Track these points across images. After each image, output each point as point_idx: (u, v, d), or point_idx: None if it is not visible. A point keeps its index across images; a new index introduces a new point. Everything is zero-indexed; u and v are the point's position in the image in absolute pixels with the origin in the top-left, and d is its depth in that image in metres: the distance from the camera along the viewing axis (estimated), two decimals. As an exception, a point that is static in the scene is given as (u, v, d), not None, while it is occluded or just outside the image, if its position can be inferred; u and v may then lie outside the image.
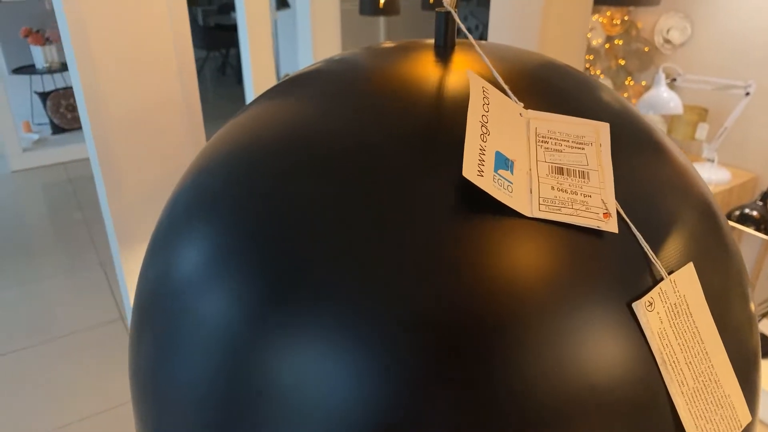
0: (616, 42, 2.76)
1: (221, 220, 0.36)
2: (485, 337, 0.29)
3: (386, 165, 0.34)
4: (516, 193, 0.31)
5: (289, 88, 0.45)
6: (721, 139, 2.29)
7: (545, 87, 0.40)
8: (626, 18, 2.74)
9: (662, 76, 2.30)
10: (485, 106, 0.33)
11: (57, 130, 4.14)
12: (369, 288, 0.30)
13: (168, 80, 0.65)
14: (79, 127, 4.23)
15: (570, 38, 1.05)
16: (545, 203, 0.32)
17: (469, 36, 0.41)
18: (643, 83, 2.80)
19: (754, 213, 2.12)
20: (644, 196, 0.36)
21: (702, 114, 2.46)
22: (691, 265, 0.34)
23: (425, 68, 0.41)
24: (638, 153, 0.39)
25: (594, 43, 2.74)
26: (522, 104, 0.36)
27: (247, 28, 2.45)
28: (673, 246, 0.35)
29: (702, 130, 2.41)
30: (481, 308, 0.29)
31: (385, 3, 2.51)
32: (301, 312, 0.31)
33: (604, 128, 0.36)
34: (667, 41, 2.61)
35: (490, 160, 0.31)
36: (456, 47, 0.44)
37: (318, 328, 0.30)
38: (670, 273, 0.33)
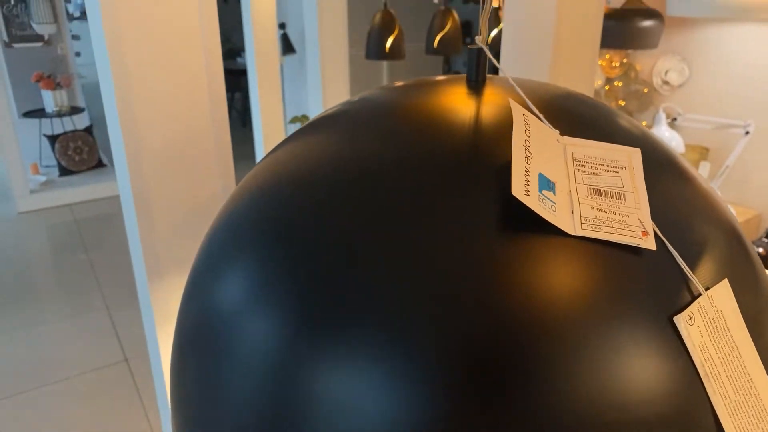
0: (615, 84, 2.82)
1: (260, 252, 0.38)
2: (534, 352, 0.30)
3: (426, 191, 0.35)
4: (559, 212, 0.33)
5: (321, 125, 0.47)
6: (723, 177, 2.32)
7: (574, 116, 0.43)
8: (625, 60, 2.81)
9: (663, 115, 2.35)
10: (527, 131, 0.35)
11: (64, 172, 4.19)
12: (412, 310, 0.31)
13: (201, 118, 0.68)
14: (86, 170, 4.28)
15: (578, 79, 1.08)
16: (587, 222, 0.33)
17: (502, 69, 0.44)
18: (644, 123, 2.85)
19: (760, 250, 2.13)
20: (675, 217, 0.37)
21: (703, 153, 2.50)
22: (726, 282, 0.35)
23: (462, 100, 0.43)
24: (665, 177, 0.40)
25: (594, 85, 2.80)
26: (557, 131, 0.38)
27: (256, 72, 2.51)
28: (707, 265, 0.36)
29: (704, 169, 2.44)
30: (531, 323, 0.30)
31: (390, 47, 2.58)
32: (342, 338, 0.32)
33: (635, 153, 0.38)
34: (666, 83, 2.67)
35: (534, 181, 0.33)
36: (487, 81, 0.47)
37: (359, 354, 0.31)
38: (706, 290, 0.34)
